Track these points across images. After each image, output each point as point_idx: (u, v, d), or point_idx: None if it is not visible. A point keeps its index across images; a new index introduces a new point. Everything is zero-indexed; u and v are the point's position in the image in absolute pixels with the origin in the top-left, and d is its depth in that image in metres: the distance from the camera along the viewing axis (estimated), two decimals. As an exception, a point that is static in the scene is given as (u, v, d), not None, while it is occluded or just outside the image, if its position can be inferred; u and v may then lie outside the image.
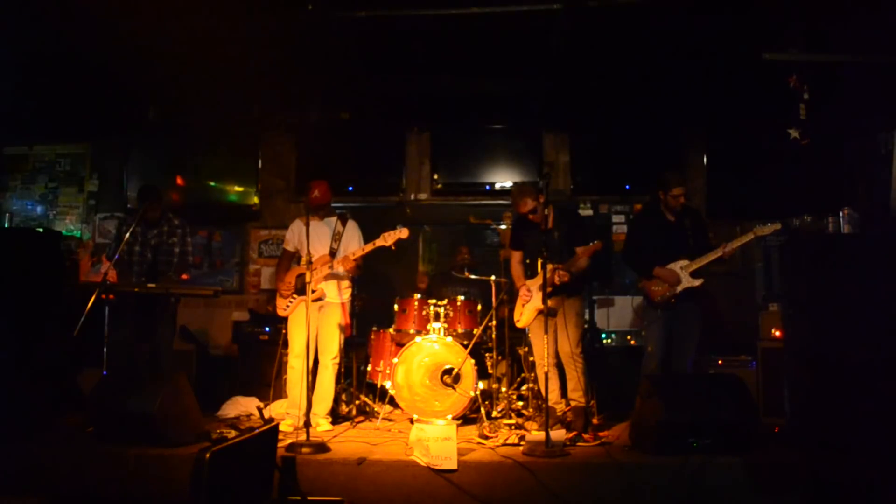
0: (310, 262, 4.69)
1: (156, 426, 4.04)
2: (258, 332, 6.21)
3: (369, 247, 4.91)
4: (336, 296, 5.06)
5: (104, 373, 4.81)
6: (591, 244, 4.74)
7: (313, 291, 4.89)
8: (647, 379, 4.33)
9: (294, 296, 5.07)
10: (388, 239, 4.85)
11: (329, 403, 5.02)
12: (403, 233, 4.87)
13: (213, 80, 6.15)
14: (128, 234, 5.15)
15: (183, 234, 5.48)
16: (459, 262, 6.04)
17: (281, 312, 5.15)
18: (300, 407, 4.83)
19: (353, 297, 5.34)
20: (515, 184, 5.32)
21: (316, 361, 5.00)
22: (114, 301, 5.03)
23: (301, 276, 5.00)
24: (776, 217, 4.73)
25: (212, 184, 7.37)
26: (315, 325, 4.97)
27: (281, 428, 4.63)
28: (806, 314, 4.29)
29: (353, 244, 5.11)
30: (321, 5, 5.13)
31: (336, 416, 5.19)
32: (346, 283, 5.13)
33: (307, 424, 4.33)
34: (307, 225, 4.60)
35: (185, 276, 5.49)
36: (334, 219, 5.19)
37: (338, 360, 5.05)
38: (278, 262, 5.41)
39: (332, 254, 5.04)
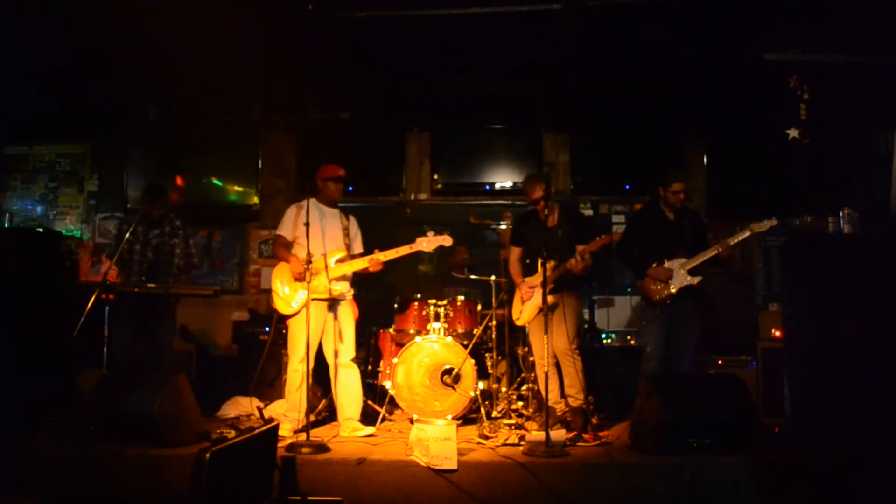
0: (309, 262, 4.49)
1: (156, 426, 4.03)
2: (258, 332, 6.19)
3: (405, 250, 4.66)
4: (350, 292, 4.86)
5: (104, 373, 4.81)
6: (598, 238, 4.75)
7: (335, 290, 4.64)
8: (647, 379, 4.33)
9: (305, 292, 4.58)
10: (427, 245, 4.63)
11: (361, 404, 4.83)
12: (447, 240, 4.61)
13: (213, 80, 6.16)
14: (128, 234, 5.13)
15: (185, 235, 5.46)
16: (458, 262, 6.03)
17: (285, 310, 4.70)
18: (300, 410, 4.78)
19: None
20: (527, 175, 5.28)
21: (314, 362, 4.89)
22: (114, 301, 4.96)
23: (315, 272, 4.60)
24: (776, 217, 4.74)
25: (212, 183, 7.37)
26: (323, 324, 4.72)
27: (280, 433, 4.59)
28: (806, 314, 4.29)
29: (358, 241, 4.96)
30: (321, 5, 5.13)
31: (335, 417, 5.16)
32: (350, 279, 4.92)
33: (307, 427, 4.29)
34: (307, 224, 4.46)
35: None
36: (338, 211, 4.90)
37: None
38: (279, 251, 4.84)
39: (348, 250, 4.79)
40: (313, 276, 4.55)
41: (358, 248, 4.95)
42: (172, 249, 5.39)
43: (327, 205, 4.88)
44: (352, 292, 4.94)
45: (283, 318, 4.84)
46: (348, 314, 4.84)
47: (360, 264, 4.71)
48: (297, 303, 4.70)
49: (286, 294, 4.76)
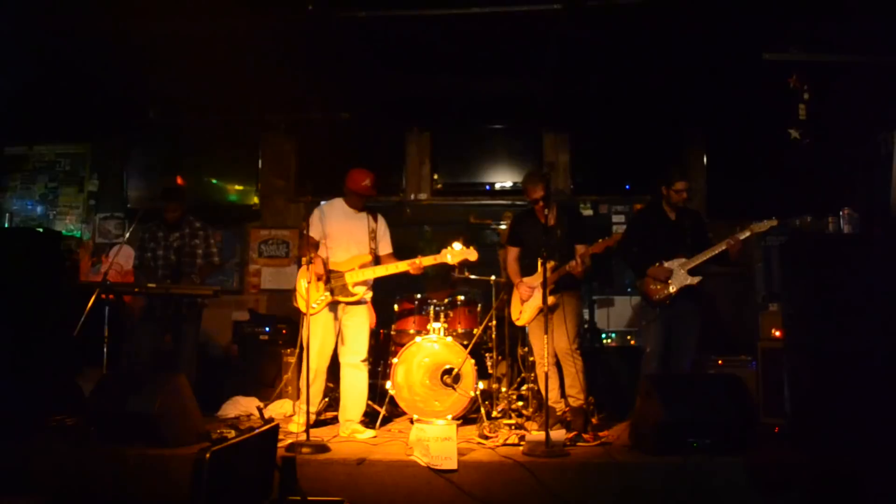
0: (309, 262, 4.55)
1: (156, 426, 4.04)
2: (258, 332, 6.20)
3: (429, 260, 4.69)
4: (367, 295, 4.88)
5: (104, 373, 4.82)
6: (601, 240, 4.75)
7: (354, 294, 4.70)
8: (647, 379, 4.33)
9: (326, 294, 4.71)
10: (453, 257, 4.66)
11: (364, 407, 4.85)
12: (472, 255, 4.66)
13: (213, 81, 6.16)
14: (127, 235, 5.16)
15: (206, 235, 5.51)
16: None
17: (307, 310, 4.67)
18: (313, 404, 4.73)
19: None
20: (527, 173, 5.25)
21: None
22: (144, 302, 5.14)
23: (335, 274, 4.71)
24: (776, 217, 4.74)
25: (212, 182, 7.37)
26: (339, 324, 4.77)
27: (290, 428, 4.61)
28: (806, 314, 4.29)
29: (386, 242, 4.93)
30: (321, 5, 5.13)
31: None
32: (370, 283, 4.92)
33: (307, 427, 4.29)
34: (306, 224, 4.52)
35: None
36: (365, 213, 4.92)
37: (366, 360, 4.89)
38: (304, 249, 4.85)
39: (373, 254, 4.81)
40: (335, 279, 4.67)
41: (386, 247, 4.94)
42: (194, 251, 5.44)
43: (353, 207, 4.89)
44: (370, 294, 4.92)
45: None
46: (364, 316, 4.85)
47: (402, 267, 4.74)
48: (318, 303, 4.73)
49: (307, 294, 4.75)
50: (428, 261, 4.70)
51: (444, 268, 6.42)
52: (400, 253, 5.01)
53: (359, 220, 4.87)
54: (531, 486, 3.76)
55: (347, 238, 4.80)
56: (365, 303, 4.87)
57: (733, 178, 6.91)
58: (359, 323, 4.80)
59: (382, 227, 4.96)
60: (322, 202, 5.00)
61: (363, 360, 4.82)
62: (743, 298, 6.28)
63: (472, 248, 4.71)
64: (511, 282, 5.24)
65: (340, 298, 4.70)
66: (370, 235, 4.83)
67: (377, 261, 4.86)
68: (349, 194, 4.87)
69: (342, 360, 4.82)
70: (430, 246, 7.38)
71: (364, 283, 4.78)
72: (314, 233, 4.85)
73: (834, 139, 6.02)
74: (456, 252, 4.68)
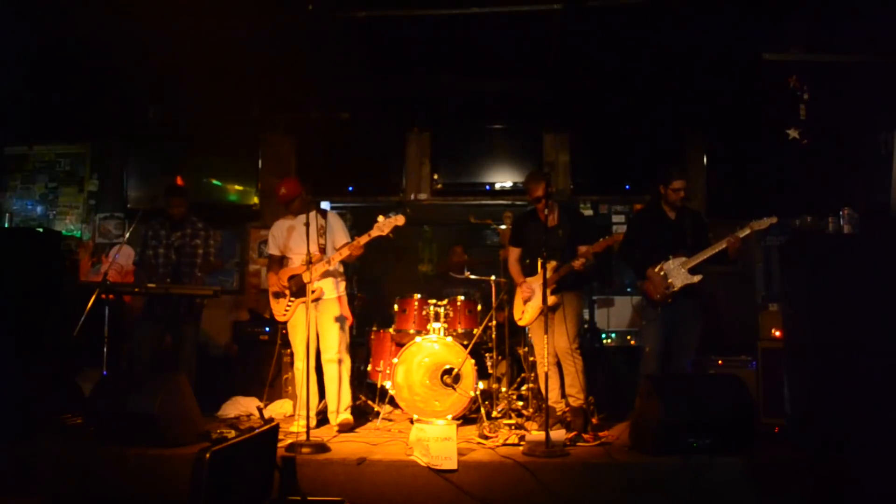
0: (310, 262, 4.61)
1: (156, 426, 4.04)
2: (258, 332, 6.21)
3: (364, 238, 4.78)
4: (332, 290, 5.01)
5: (104, 373, 4.82)
6: (601, 239, 4.75)
7: (313, 292, 4.82)
8: (647, 379, 4.33)
9: (292, 299, 4.96)
10: (384, 228, 4.74)
11: (348, 398, 4.98)
12: (399, 220, 4.75)
13: (213, 81, 6.16)
14: (127, 235, 5.17)
15: (206, 236, 5.54)
16: (456, 262, 6.03)
17: (280, 317, 5.05)
18: (310, 408, 4.81)
19: (350, 295, 5.34)
20: (529, 173, 5.27)
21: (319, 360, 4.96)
22: (142, 303, 5.22)
23: (295, 278, 4.91)
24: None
25: (212, 183, 7.37)
26: (315, 325, 4.90)
27: (292, 429, 4.65)
28: (806, 314, 4.29)
29: (339, 235, 5.06)
30: (321, 5, 5.14)
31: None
32: (340, 277, 5.10)
33: (307, 427, 4.32)
34: (307, 224, 4.53)
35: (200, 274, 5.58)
36: (314, 213, 5.01)
37: (343, 353, 4.98)
38: (268, 269, 5.27)
39: (323, 250, 4.94)
40: (294, 284, 4.90)
41: (342, 239, 5.05)
42: (194, 250, 5.47)
43: (293, 213, 5.07)
44: (342, 286, 5.09)
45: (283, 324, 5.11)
46: (332, 312, 4.96)
47: (344, 253, 4.87)
48: (287, 309, 5.00)
49: (277, 303, 5.07)
50: (363, 239, 4.80)
51: (444, 269, 6.46)
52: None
53: (304, 223, 4.95)
54: (531, 486, 3.77)
55: (299, 242, 4.91)
56: (333, 299, 4.99)
57: (733, 177, 6.91)
58: (327, 319, 4.94)
59: (333, 222, 5.12)
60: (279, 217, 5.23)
61: (337, 354, 4.93)
62: (743, 298, 6.29)
63: (399, 214, 4.81)
64: (512, 282, 5.24)
65: (305, 299, 4.81)
66: (319, 233, 4.96)
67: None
68: (280, 205, 5.11)
69: (321, 356, 4.96)
70: (430, 246, 7.41)
71: (323, 278, 4.91)
72: (273, 250, 5.14)
73: (834, 139, 6.02)
74: (383, 223, 4.76)
